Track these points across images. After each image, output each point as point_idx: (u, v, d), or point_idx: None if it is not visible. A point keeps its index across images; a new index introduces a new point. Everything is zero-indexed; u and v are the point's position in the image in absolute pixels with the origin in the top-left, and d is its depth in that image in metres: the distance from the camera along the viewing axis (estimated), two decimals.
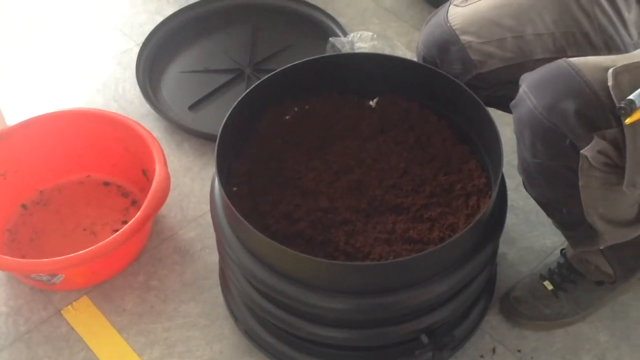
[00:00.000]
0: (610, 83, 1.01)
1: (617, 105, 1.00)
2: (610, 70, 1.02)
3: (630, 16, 1.21)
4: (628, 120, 1.00)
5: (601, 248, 1.27)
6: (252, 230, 1.12)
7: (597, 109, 1.03)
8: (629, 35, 1.21)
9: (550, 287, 1.38)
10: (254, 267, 1.18)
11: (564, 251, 1.41)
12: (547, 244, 1.52)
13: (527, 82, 1.10)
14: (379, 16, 2.00)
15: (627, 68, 1.03)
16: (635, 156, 1.04)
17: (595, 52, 1.24)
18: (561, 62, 1.07)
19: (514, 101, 1.12)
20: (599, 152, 1.04)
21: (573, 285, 1.38)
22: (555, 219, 1.27)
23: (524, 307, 1.39)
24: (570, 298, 1.38)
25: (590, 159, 1.05)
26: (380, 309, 1.18)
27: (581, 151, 1.05)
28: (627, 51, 1.19)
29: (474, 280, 1.24)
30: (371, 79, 1.38)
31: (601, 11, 1.24)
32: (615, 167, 1.06)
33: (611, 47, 1.23)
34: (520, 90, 1.10)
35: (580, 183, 1.09)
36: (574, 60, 1.06)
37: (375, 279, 1.15)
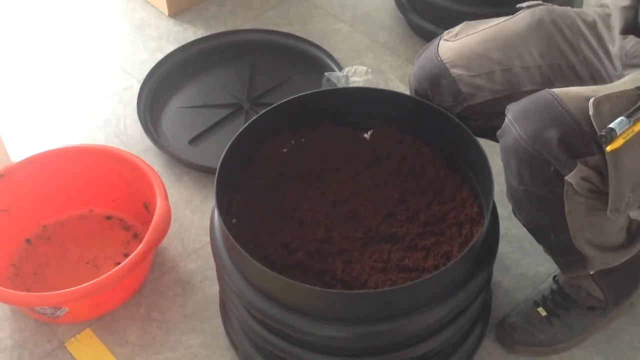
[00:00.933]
0: (591, 112, 1.05)
1: (599, 133, 1.04)
2: (591, 100, 1.06)
3: (614, 49, 1.25)
4: (609, 148, 1.04)
5: (591, 273, 1.29)
6: (251, 260, 1.15)
7: (579, 137, 1.06)
8: (614, 67, 1.25)
9: (544, 313, 1.41)
10: (253, 296, 1.20)
11: (556, 278, 1.43)
12: (541, 271, 1.54)
13: (512, 112, 1.14)
14: (373, 51, 2.05)
15: (608, 98, 1.07)
16: (617, 182, 1.07)
17: (582, 83, 1.27)
18: (544, 92, 1.11)
19: (500, 130, 1.16)
20: (583, 178, 1.08)
21: (566, 312, 1.40)
22: (545, 244, 1.30)
23: (519, 334, 1.41)
24: (563, 324, 1.40)
25: (574, 185, 1.08)
26: (377, 337, 1.20)
27: (565, 178, 1.08)
28: (612, 82, 1.23)
29: (469, 306, 1.26)
30: (365, 112, 1.42)
31: (586, 44, 1.28)
32: (599, 193, 1.10)
33: (597, 78, 1.27)
34: (506, 119, 1.14)
35: (566, 209, 1.13)
36: (556, 90, 1.10)
37: (372, 307, 1.17)
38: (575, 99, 1.08)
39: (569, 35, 1.29)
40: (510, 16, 1.34)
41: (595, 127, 1.05)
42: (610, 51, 1.26)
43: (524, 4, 1.35)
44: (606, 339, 1.44)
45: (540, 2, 1.34)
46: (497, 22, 1.33)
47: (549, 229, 1.23)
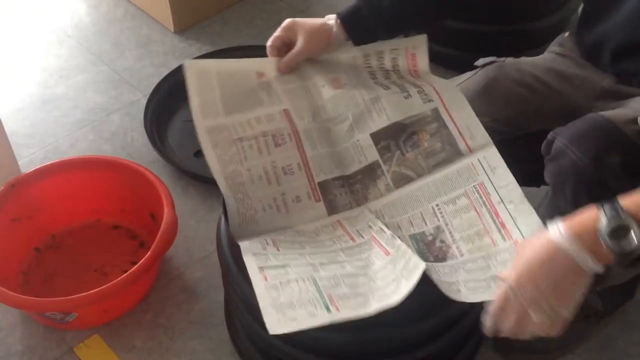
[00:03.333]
0: None
1: None
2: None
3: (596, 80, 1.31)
4: None
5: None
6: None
7: (637, 156, 1.10)
8: (585, 97, 1.31)
9: None
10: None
11: None
12: None
13: (565, 135, 1.14)
14: None
15: None
16: None
17: (547, 120, 1.31)
18: (596, 115, 1.14)
19: (551, 155, 1.16)
20: None
21: None
22: None
23: (517, 342, 1.45)
24: None
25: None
26: (377, 341, 1.24)
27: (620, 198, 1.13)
28: (582, 113, 1.26)
29: (466, 314, 1.30)
30: None
31: (543, 85, 1.35)
32: None
33: (564, 114, 1.30)
34: (558, 143, 1.14)
35: None
36: (605, 113, 1.13)
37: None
38: (624, 119, 1.11)
39: (524, 83, 1.35)
40: (471, 73, 1.42)
41: None
42: (577, 84, 1.32)
43: (479, 62, 1.43)
44: (599, 347, 1.48)
45: (494, 58, 1.43)
46: (457, 82, 1.40)
47: None
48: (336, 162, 1.28)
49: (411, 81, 1.32)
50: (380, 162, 1.27)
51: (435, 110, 1.27)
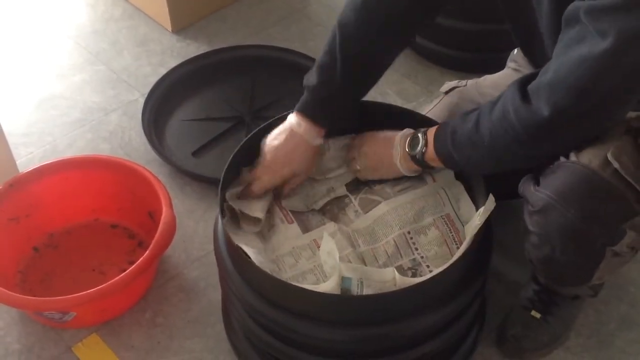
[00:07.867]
0: (618, 166, 1.10)
1: None
2: (609, 155, 1.11)
3: None
4: None
5: None
6: (253, 264, 1.21)
7: (623, 202, 1.12)
8: None
9: (538, 315, 1.44)
10: (254, 299, 1.24)
11: (536, 278, 1.46)
12: None
13: (551, 189, 1.15)
14: None
15: (617, 148, 1.12)
16: None
17: None
18: (576, 166, 1.13)
19: (538, 207, 1.17)
20: (628, 245, 1.15)
21: (557, 307, 1.44)
22: (558, 283, 1.40)
23: (525, 342, 1.45)
24: (558, 319, 1.45)
25: (617, 250, 1.16)
26: (377, 339, 1.24)
27: (613, 248, 1.15)
28: None
29: (466, 311, 1.31)
30: (363, 123, 1.46)
31: None
32: (634, 249, 1.18)
33: None
34: (544, 196, 1.16)
35: (601, 266, 1.21)
36: (583, 162, 1.13)
37: (370, 310, 1.22)
38: (599, 164, 1.12)
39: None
40: (436, 101, 1.51)
41: (631, 181, 1.10)
42: None
43: (443, 88, 1.52)
44: (598, 344, 1.48)
45: (455, 84, 1.51)
46: (424, 111, 1.46)
47: (572, 280, 1.33)
48: (305, 200, 1.39)
49: None
50: (349, 194, 1.39)
51: None
